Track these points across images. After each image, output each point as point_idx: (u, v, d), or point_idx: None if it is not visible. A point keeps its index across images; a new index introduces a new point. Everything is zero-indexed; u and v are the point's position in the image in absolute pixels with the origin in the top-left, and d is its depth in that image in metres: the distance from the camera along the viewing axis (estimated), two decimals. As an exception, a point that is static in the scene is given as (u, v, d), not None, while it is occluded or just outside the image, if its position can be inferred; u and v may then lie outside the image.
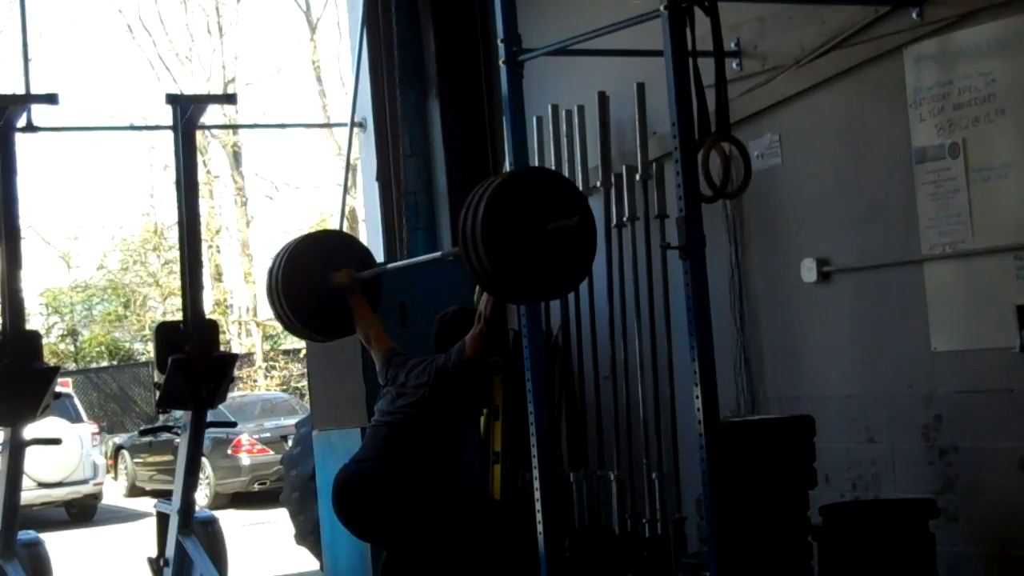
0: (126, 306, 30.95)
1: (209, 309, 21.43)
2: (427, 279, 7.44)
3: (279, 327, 29.12)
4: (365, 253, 6.46)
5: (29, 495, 12.06)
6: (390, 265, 6.24)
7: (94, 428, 16.69)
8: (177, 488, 6.67)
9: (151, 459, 17.60)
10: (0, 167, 6.35)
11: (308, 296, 6.12)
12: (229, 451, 15.92)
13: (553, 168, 7.88)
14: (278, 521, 11.87)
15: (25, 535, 7.01)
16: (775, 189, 6.89)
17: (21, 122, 6.70)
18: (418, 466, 5.47)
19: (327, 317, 6.17)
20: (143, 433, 17.00)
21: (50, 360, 12.12)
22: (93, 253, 31.95)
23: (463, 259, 5.00)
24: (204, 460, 14.72)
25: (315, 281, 6.10)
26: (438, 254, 6.24)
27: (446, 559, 5.60)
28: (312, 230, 6.36)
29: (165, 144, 28.88)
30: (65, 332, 31.29)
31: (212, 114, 27.57)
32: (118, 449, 18.85)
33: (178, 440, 6.91)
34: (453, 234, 8.98)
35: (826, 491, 6.36)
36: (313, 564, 8.81)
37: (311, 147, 43.84)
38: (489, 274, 4.93)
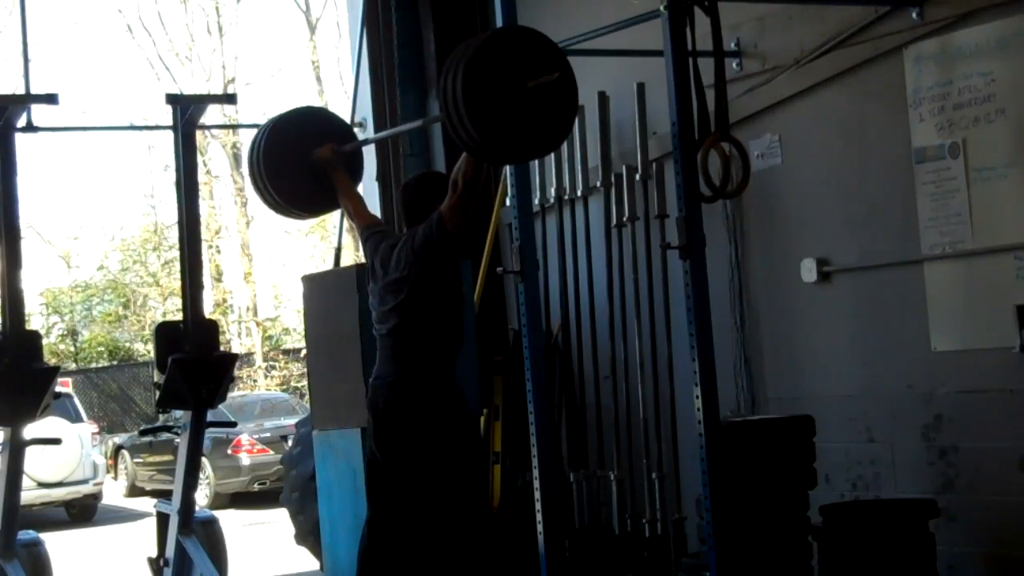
0: (126, 306, 30.98)
1: (209, 309, 21.48)
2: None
3: (279, 327, 29.43)
4: (345, 128, 6.43)
5: (29, 495, 12.06)
6: (372, 137, 6.21)
7: (94, 428, 16.69)
8: (177, 488, 6.66)
9: (151, 459, 17.60)
10: (0, 167, 6.34)
11: (289, 171, 6.08)
12: (229, 451, 15.92)
13: (553, 168, 7.90)
14: (278, 521, 11.87)
15: (25, 535, 7.00)
16: (775, 189, 6.89)
17: (21, 122, 6.68)
18: (433, 364, 5.41)
19: (308, 192, 6.13)
20: (143, 433, 17.00)
21: (50, 360, 12.10)
22: (93, 253, 32.01)
23: (445, 123, 4.92)
24: (204, 460, 14.72)
25: (296, 156, 6.06)
26: (419, 122, 6.16)
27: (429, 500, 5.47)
28: (291, 108, 6.30)
29: (165, 144, 28.97)
30: (65, 332, 31.32)
31: (212, 114, 27.57)
32: (118, 449, 18.85)
33: (178, 440, 6.90)
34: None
35: (826, 491, 6.36)
36: (313, 564, 8.81)
37: (311, 147, 43.78)
38: (471, 135, 4.83)
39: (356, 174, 6.26)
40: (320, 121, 6.30)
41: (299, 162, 6.07)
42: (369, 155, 9.61)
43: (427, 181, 5.70)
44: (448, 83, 4.85)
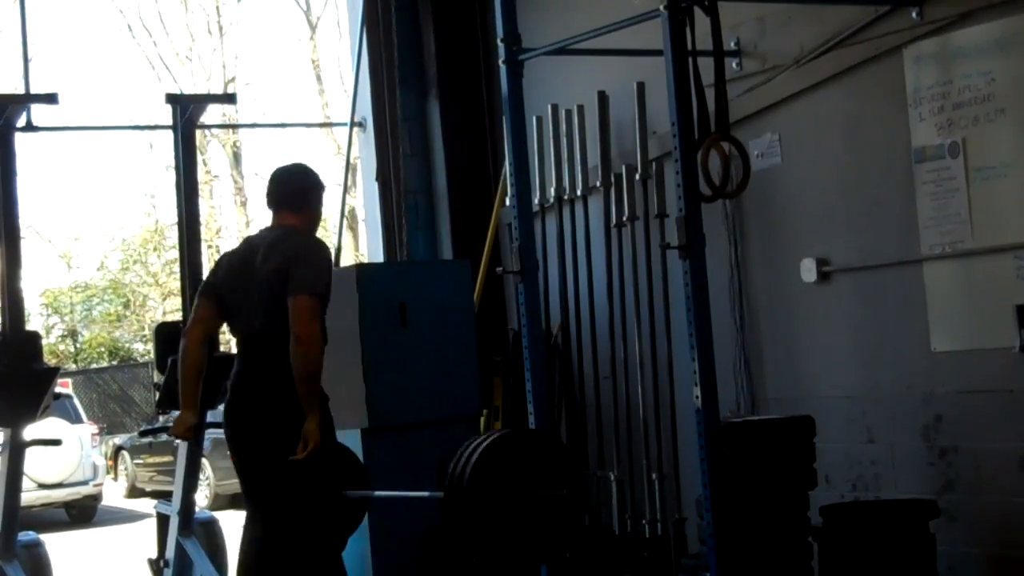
0: (126, 306, 30.98)
1: (209, 309, 21.42)
2: (427, 279, 7.45)
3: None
4: None
5: (29, 496, 12.05)
6: None
7: (94, 429, 16.67)
8: (177, 489, 6.67)
9: (151, 460, 17.59)
10: (0, 167, 6.35)
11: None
12: (229, 451, 15.90)
13: (553, 168, 7.89)
14: (278, 521, 11.85)
15: (25, 536, 7.01)
16: (775, 189, 6.89)
17: (21, 122, 6.70)
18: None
19: None
20: (143, 434, 17.00)
21: (50, 360, 12.11)
22: (94, 253, 32.03)
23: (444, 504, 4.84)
24: (204, 461, 14.71)
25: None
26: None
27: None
28: None
29: (165, 144, 28.93)
30: (65, 332, 31.32)
31: (212, 114, 27.60)
32: (118, 450, 18.85)
33: (178, 441, 6.91)
34: (453, 234, 9.00)
35: (826, 491, 6.36)
36: (313, 564, 8.79)
37: (311, 147, 43.88)
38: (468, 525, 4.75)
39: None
40: None
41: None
42: (369, 155, 9.64)
43: (297, 176, 5.61)
44: (460, 463, 4.77)
